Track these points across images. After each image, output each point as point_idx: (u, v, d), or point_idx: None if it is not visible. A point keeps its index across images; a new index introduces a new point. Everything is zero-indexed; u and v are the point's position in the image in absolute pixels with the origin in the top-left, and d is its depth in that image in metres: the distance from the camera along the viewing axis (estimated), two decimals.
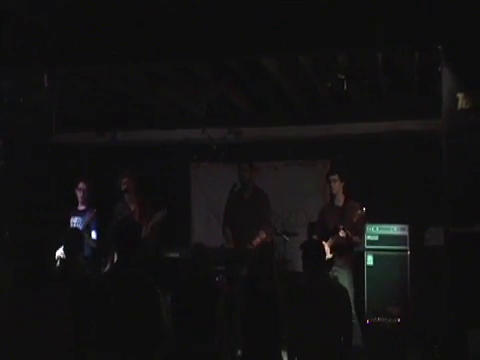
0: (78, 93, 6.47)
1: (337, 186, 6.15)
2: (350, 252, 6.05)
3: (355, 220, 5.85)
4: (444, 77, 4.24)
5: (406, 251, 6.18)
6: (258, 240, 6.20)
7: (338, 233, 5.90)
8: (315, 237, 6.19)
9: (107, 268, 5.51)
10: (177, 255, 5.98)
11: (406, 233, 6.25)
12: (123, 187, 6.37)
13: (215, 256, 4.57)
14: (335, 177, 6.13)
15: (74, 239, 4.66)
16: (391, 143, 6.79)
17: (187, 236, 7.62)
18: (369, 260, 6.23)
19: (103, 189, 6.94)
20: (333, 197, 6.24)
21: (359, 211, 5.81)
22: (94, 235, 6.42)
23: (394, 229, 6.28)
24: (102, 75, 5.82)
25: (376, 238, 6.29)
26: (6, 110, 5.72)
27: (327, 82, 5.67)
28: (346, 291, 4.30)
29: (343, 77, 5.36)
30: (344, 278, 5.90)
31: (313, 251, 4.21)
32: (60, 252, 6.10)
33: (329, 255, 5.96)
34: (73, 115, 7.21)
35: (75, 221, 6.53)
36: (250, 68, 5.83)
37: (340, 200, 6.20)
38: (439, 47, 4.24)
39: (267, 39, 4.45)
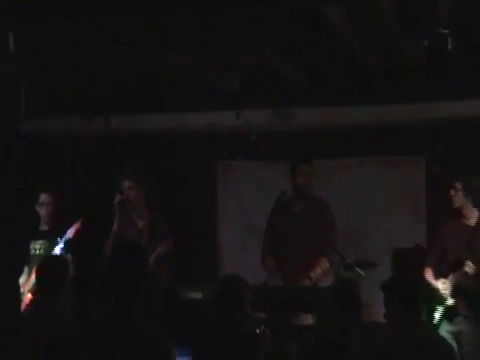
0: (57, 62, 6.49)
1: (460, 199, 6.10)
2: None
3: None
4: None
5: None
6: (319, 271, 6.18)
7: (462, 267, 5.87)
8: (429, 270, 6.11)
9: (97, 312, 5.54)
10: (200, 295, 5.91)
11: None
12: (127, 195, 6.46)
13: (254, 296, 4.58)
14: (458, 185, 6.09)
15: (54, 271, 4.70)
16: None
17: (213, 268, 7.65)
18: None
19: (91, 197, 6.96)
20: (459, 213, 6.15)
21: None
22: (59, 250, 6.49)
23: None
24: (90, 35, 5.84)
25: None
26: None
27: (421, 40, 5.56)
28: (453, 350, 4.26)
29: (446, 32, 5.24)
30: (472, 338, 5.80)
31: (404, 291, 4.21)
32: (27, 289, 6.19)
33: (450, 301, 5.92)
34: (51, 94, 7.24)
35: (38, 247, 6.62)
36: (306, 22, 5.77)
37: (471, 216, 6.12)
38: None
39: None
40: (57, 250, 6.41)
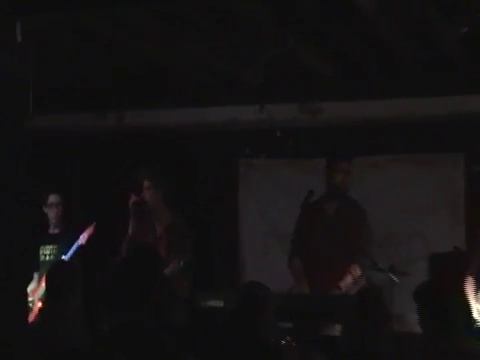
0: (67, 54, 6.52)
1: None
2: None
3: None
4: None
5: None
6: (349, 280, 6.18)
7: None
8: (470, 280, 6.03)
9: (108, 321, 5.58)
10: (220, 304, 5.88)
11: None
12: (143, 195, 6.44)
13: (278, 305, 4.59)
14: None
15: (64, 278, 4.73)
16: None
17: (235, 275, 7.69)
18: None
19: (102, 199, 7.05)
20: None
21: None
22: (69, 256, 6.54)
23: None
24: (101, 25, 5.85)
25: None
26: None
27: (460, 27, 5.56)
28: None
29: None
30: None
31: (437, 299, 4.24)
32: (37, 297, 6.25)
33: None
34: (59, 88, 7.29)
35: (47, 252, 6.69)
36: (333, 8, 5.74)
37: None
38: None
39: None
40: (67, 256, 6.49)
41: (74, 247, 6.52)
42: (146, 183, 6.45)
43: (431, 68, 6.89)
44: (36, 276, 6.50)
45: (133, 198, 6.43)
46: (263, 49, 6.20)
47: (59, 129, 7.71)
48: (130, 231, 6.43)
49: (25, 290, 6.39)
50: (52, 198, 6.76)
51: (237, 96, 7.13)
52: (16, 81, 6.23)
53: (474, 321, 5.79)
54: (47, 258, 6.66)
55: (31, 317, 5.96)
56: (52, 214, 6.77)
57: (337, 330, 5.61)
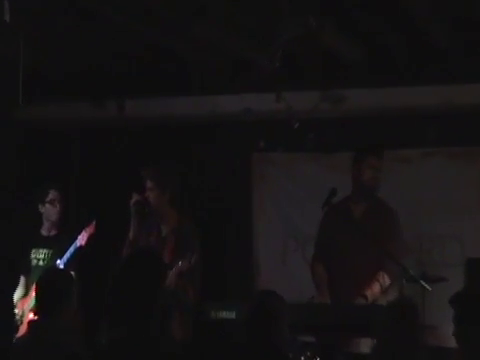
0: (61, 37, 6.45)
1: None
2: None
3: None
4: None
5: None
6: (376, 289, 6.11)
7: None
8: None
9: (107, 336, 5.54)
10: (233, 316, 5.81)
11: None
12: (147, 196, 6.33)
13: (298, 316, 4.63)
14: None
15: (57, 287, 4.64)
16: None
17: (249, 283, 7.61)
18: None
19: (101, 197, 7.03)
20: None
21: None
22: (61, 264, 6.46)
23: None
24: (100, 7, 5.80)
25: None
26: None
27: None
28: None
29: None
30: None
31: (476, 307, 4.24)
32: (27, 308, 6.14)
33: None
34: (53, 75, 7.23)
35: (41, 257, 6.58)
36: None
37: None
38: None
39: None
40: (64, 259, 6.43)
41: (71, 249, 6.42)
42: (149, 184, 6.36)
43: (468, 52, 6.79)
44: (23, 281, 6.51)
45: (134, 197, 6.32)
46: (281, 30, 6.10)
47: (54, 120, 7.70)
48: (131, 233, 6.34)
49: (11, 298, 6.31)
50: (53, 194, 6.70)
51: (251, 83, 7.07)
52: (5, 65, 6.11)
53: None
54: (40, 263, 6.60)
55: (21, 331, 5.91)
56: (53, 211, 6.70)
57: (363, 344, 5.62)
